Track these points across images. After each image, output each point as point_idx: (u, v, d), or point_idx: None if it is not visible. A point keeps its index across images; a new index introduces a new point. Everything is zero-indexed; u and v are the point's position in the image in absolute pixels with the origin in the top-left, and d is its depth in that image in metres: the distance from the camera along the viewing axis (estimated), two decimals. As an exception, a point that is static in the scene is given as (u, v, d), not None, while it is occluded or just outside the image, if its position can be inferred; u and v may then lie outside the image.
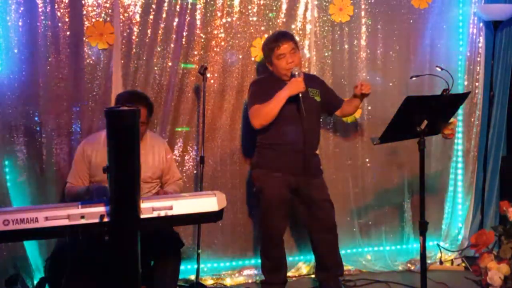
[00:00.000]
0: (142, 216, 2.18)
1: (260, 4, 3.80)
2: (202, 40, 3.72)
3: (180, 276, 3.18)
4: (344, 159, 4.06)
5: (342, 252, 3.65)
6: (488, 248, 3.75)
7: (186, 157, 3.76)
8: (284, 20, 3.86)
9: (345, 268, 3.72)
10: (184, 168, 3.75)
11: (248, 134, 3.79)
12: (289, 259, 3.73)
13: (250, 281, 3.85)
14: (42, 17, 3.38)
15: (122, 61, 3.57)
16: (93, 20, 3.48)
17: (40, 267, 3.41)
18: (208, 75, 3.68)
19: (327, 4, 3.93)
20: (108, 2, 3.50)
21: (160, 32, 3.61)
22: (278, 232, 3.50)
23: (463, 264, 4.16)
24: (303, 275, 3.97)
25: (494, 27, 4.16)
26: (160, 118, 3.67)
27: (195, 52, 3.71)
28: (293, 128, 3.36)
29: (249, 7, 3.79)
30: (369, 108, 4.07)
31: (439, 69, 3.58)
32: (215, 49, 3.75)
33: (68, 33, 3.44)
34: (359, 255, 4.12)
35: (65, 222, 2.14)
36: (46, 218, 2.12)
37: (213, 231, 3.83)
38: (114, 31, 3.51)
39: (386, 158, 4.15)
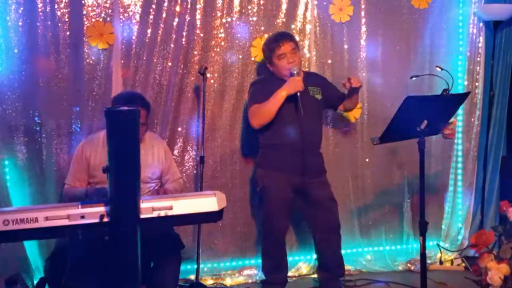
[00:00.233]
0: (142, 216, 2.18)
1: (260, 4, 3.80)
2: (202, 40, 3.72)
3: (180, 276, 3.18)
4: (344, 159, 4.06)
5: (342, 252, 3.65)
6: (488, 248, 3.75)
7: (186, 157, 3.76)
8: (284, 20, 3.86)
9: (345, 268, 3.71)
10: (184, 168, 3.75)
11: (249, 134, 3.80)
12: (289, 259, 3.73)
13: (250, 281, 3.85)
14: (42, 17, 3.38)
15: (122, 61, 3.57)
16: (93, 20, 3.48)
17: (40, 267, 3.41)
18: (208, 75, 3.68)
19: (327, 4, 3.93)
20: (108, 2, 3.50)
21: (160, 32, 3.61)
22: (281, 232, 3.50)
23: (463, 264, 4.16)
24: (303, 275, 3.97)
25: (494, 27, 4.16)
26: (160, 118, 3.67)
27: (195, 52, 3.71)
28: (292, 127, 3.36)
29: (249, 7, 3.79)
30: (369, 108, 4.07)
31: (439, 69, 3.59)
32: (215, 49, 3.75)
33: (68, 33, 3.44)
34: (359, 255, 4.12)
35: (65, 222, 2.14)
36: (46, 218, 2.12)
37: (213, 231, 3.83)
38: (114, 31, 3.51)
39: (386, 158, 4.15)
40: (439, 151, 4.30)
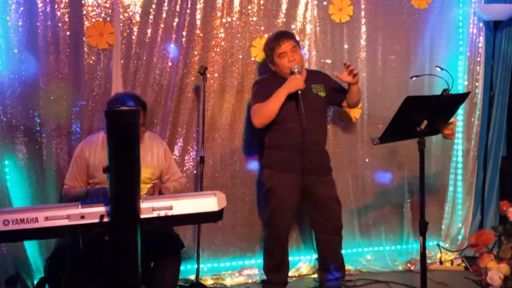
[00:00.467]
0: (142, 216, 2.18)
1: (260, 4, 3.80)
2: (202, 40, 3.71)
3: (180, 276, 3.18)
4: (344, 159, 4.06)
5: (342, 252, 3.65)
6: (488, 248, 3.74)
7: (186, 157, 3.76)
8: (284, 20, 3.86)
9: (345, 268, 3.71)
10: (184, 168, 3.75)
11: (251, 134, 3.80)
12: (289, 259, 3.72)
13: (250, 281, 3.85)
14: (42, 17, 3.38)
15: (122, 61, 3.57)
16: (93, 20, 3.48)
17: (40, 267, 3.41)
18: (208, 75, 3.68)
19: (327, 4, 3.93)
20: (108, 2, 3.50)
21: (160, 32, 3.61)
22: (284, 232, 3.50)
23: (463, 264, 4.16)
24: (303, 275, 3.97)
25: (494, 27, 4.16)
26: (160, 118, 3.67)
27: (195, 52, 3.71)
28: (294, 127, 3.36)
29: (249, 7, 3.79)
30: (369, 108, 4.07)
31: (439, 69, 3.58)
32: (215, 49, 3.75)
33: (68, 33, 3.44)
34: (359, 255, 4.12)
35: (65, 222, 2.14)
36: (46, 218, 2.12)
37: (213, 231, 3.83)
38: (114, 31, 3.51)
39: (386, 158, 4.16)
40: (439, 151, 4.30)
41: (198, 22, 3.70)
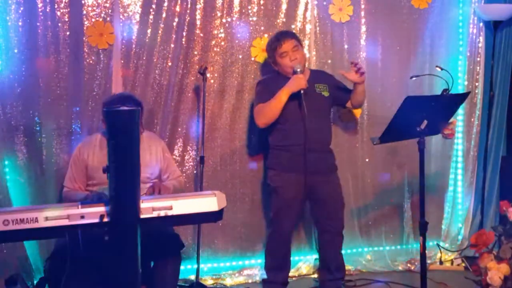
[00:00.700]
0: (142, 216, 2.18)
1: (260, 4, 3.80)
2: (202, 40, 3.71)
3: (180, 276, 3.17)
4: (344, 159, 4.06)
5: (342, 252, 3.65)
6: (488, 248, 3.74)
7: (186, 157, 3.76)
8: (284, 20, 3.86)
9: (345, 268, 3.72)
10: (184, 168, 3.75)
11: (251, 134, 3.81)
12: (290, 259, 3.73)
13: (250, 281, 3.85)
14: (42, 17, 3.38)
15: (122, 61, 3.57)
16: (93, 20, 3.48)
17: (40, 267, 3.40)
18: (208, 75, 3.68)
19: (327, 4, 3.93)
20: (108, 2, 3.50)
21: (160, 32, 3.61)
22: (286, 232, 3.50)
23: (463, 264, 4.16)
24: (303, 275, 3.97)
25: (494, 27, 4.16)
26: (160, 118, 3.67)
27: (195, 52, 3.71)
28: (298, 126, 3.35)
29: (249, 7, 3.79)
30: (369, 108, 4.07)
31: (439, 69, 3.58)
32: (215, 49, 3.75)
33: (68, 33, 3.44)
34: (359, 255, 4.12)
35: (65, 222, 2.14)
36: (46, 218, 2.12)
37: (213, 231, 3.83)
38: (114, 31, 3.51)
39: (386, 158, 4.15)
40: (439, 151, 4.30)
41: (198, 22, 3.70)
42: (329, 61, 3.97)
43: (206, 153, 3.66)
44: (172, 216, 2.25)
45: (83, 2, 3.45)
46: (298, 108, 3.33)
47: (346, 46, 4.01)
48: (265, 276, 3.63)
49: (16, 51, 3.35)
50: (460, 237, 4.35)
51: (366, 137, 4.07)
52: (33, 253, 3.44)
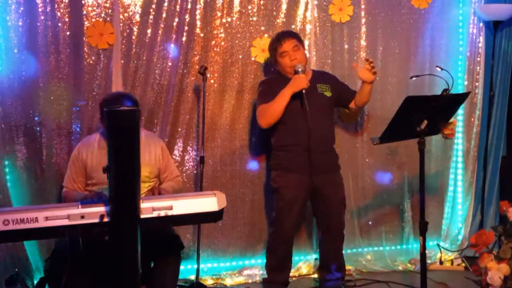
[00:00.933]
0: (142, 216, 2.18)
1: (260, 4, 3.80)
2: (202, 40, 3.72)
3: (180, 276, 3.17)
4: (344, 159, 4.05)
5: (342, 252, 3.65)
6: (488, 248, 3.74)
7: (186, 157, 3.76)
8: (284, 20, 3.86)
9: (346, 268, 3.72)
10: (184, 168, 3.75)
11: (251, 133, 3.81)
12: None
13: (250, 281, 3.85)
14: (42, 17, 3.38)
15: (122, 61, 3.57)
16: (93, 20, 3.48)
17: (40, 267, 3.40)
18: (208, 75, 3.68)
19: (327, 4, 3.93)
20: (108, 2, 3.50)
21: (160, 32, 3.61)
22: (289, 232, 3.50)
23: (463, 264, 4.16)
24: (303, 275, 3.97)
25: (494, 27, 4.16)
26: (160, 118, 3.67)
27: (195, 52, 3.71)
28: (300, 126, 3.35)
29: (249, 7, 3.79)
30: (369, 108, 4.07)
31: (439, 69, 3.58)
32: (215, 49, 3.75)
33: (68, 33, 3.44)
34: (359, 255, 4.12)
35: (65, 222, 2.14)
36: (46, 218, 2.12)
37: (213, 231, 3.83)
38: (114, 31, 3.51)
39: (386, 158, 4.15)
40: (439, 151, 4.30)
41: (198, 22, 3.70)
42: (329, 61, 3.97)
43: (206, 153, 3.66)
44: (172, 216, 2.25)
45: (83, 2, 3.45)
46: (300, 108, 3.34)
47: (346, 46, 4.01)
48: (265, 276, 3.63)
49: (16, 51, 3.35)
50: (460, 237, 4.35)
51: (366, 137, 4.07)
52: (33, 253, 3.44)
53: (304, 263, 4.02)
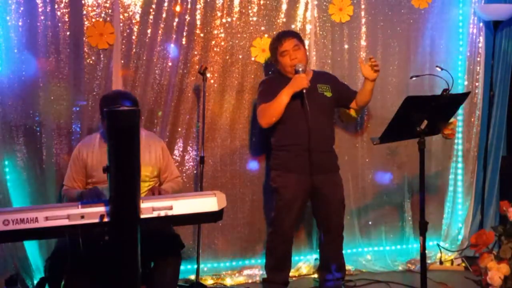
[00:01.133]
0: (142, 216, 2.18)
1: (260, 4, 3.80)
2: (202, 40, 3.72)
3: (180, 276, 3.17)
4: (344, 159, 4.05)
5: (342, 252, 3.65)
6: (488, 248, 3.74)
7: (186, 157, 3.76)
8: (284, 20, 3.86)
9: (346, 268, 3.72)
10: (184, 168, 3.75)
11: (251, 133, 3.81)
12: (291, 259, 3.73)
13: (250, 281, 3.85)
14: (42, 17, 3.38)
15: (122, 61, 3.57)
16: (93, 20, 3.48)
17: (40, 267, 3.41)
18: (208, 75, 3.68)
19: (327, 4, 3.94)
20: (108, 2, 3.50)
21: (160, 32, 3.61)
22: (288, 231, 3.50)
23: (463, 264, 4.16)
24: (303, 275, 3.97)
25: (494, 27, 4.16)
26: (160, 118, 3.67)
27: (195, 52, 3.71)
28: (300, 126, 3.35)
29: (249, 7, 3.79)
30: (369, 108, 4.07)
31: (439, 69, 3.58)
32: (215, 49, 3.75)
33: (68, 33, 3.44)
34: (359, 255, 4.12)
35: (65, 222, 2.14)
36: (46, 218, 2.12)
37: (213, 231, 3.83)
38: (114, 31, 3.51)
39: (386, 158, 4.15)
40: (439, 151, 4.30)
41: (198, 22, 3.70)
42: (329, 61, 3.97)
43: (206, 153, 3.66)
44: (172, 216, 2.25)
45: (83, 2, 3.45)
46: (301, 108, 3.34)
47: (346, 46, 4.01)
48: (265, 276, 3.63)
49: (16, 51, 3.35)
50: (460, 237, 4.35)
51: (366, 137, 4.08)
52: (33, 253, 3.44)
53: (304, 263, 4.02)
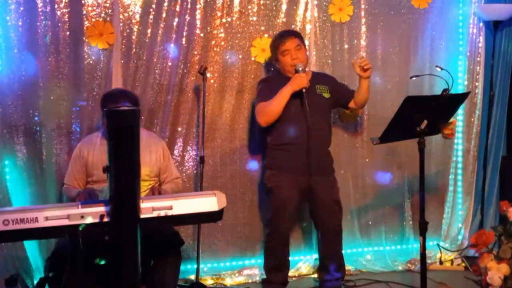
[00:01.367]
0: (142, 216, 2.18)
1: (260, 4, 3.80)
2: (202, 40, 3.72)
3: (180, 276, 3.18)
4: (344, 159, 4.06)
5: (342, 252, 3.65)
6: (488, 248, 3.74)
7: (186, 157, 3.76)
8: (284, 20, 3.86)
9: (345, 268, 3.71)
10: (184, 168, 3.75)
11: (251, 133, 3.81)
12: (289, 258, 3.72)
13: (250, 281, 3.85)
14: (42, 17, 3.38)
15: (122, 61, 3.57)
16: (93, 20, 3.48)
17: (40, 267, 3.41)
18: (208, 75, 3.68)
19: (327, 4, 3.94)
20: (108, 2, 3.50)
21: (160, 32, 3.61)
22: (285, 231, 3.50)
23: (463, 264, 4.16)
24: (303, 275, 3.97)
25: (494, 27, 4.16)
26: (160, 118, 3.67)
27: (195, 52, 3.71)
28: (299, 126, 3.36)
29: (249, 7, 3.79)
30: (369, 108, 4.07)
31: (439, 69, 3.58)
32: (215, 49, 3.75)
33: (68, 33, 3.44)
34: (359, 255, 4.12)
35: (65, 222, 2.14)
36: (46, 218, 2.12)
37: (213, 231, 3.83)
38: (114, 31, 3.51)
39: (386, 158, 4.15)
40: (439, 151, 4.30)
41: (198, 22, 3.70)
42: (329, 61, 3.97)
43: (206, 153, 3.66)
44: (172, 216, 2.25)
45: (83, 2, 3.45)
46: (299, 107, 3.34)
47: (346, 46, 4.01)
48: (264, 276, 3.63)
49: (16, 51, 3.35)
50: (460, 237, 4.35)
51: (366, 137, 4.07)
52: (33, 253, 3.44)
53: (304, 263, 4.02)
